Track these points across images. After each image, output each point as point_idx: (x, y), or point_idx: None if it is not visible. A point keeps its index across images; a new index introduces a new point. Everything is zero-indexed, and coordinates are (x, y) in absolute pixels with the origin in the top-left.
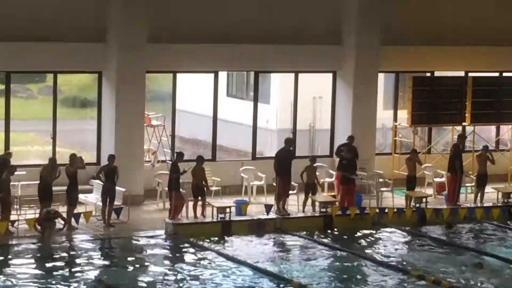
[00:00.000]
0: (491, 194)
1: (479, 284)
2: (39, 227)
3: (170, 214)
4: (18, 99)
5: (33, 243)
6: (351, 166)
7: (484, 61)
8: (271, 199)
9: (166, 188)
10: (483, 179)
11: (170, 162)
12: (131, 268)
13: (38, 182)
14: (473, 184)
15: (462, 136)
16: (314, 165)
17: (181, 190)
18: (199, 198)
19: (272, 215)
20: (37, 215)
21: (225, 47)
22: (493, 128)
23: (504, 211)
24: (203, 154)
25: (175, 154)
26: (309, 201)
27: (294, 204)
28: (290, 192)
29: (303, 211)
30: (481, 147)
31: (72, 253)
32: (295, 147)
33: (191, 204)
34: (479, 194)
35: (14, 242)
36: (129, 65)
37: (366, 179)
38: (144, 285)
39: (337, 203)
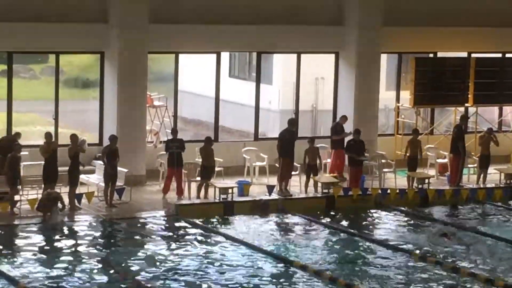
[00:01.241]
0: (494, 175)
1: (479, 264)
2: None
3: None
4: (21, 79)
5: (36, 224)
6: (359, 147)
7: (487, 42)
8: (273, 180)
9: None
10: (486, 160)
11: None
12: (133, 248)
13: (43, 162)
14: (475, 165)
15: (465, 117)
16: (314, 146)
17: (183, 170)
18: (205, 179)
19: (274, 195)
20: (40, 196)
21: (227, 27)
22: (495, 109)
23: (506, 192)
24: (205, 135)
25: (172, 131)
26: (311, 182)
27: (296, 185)
28: (292, 173)
29: (305, 192)
30: (486, 129)
31: (74, 233)
32: (297, 128)
33: (193, 184)
34: (481, 175)
35: (17, 223)
36: (131, 46)
37: (368, 160)
38: (146, 265)
39: (339, 183)
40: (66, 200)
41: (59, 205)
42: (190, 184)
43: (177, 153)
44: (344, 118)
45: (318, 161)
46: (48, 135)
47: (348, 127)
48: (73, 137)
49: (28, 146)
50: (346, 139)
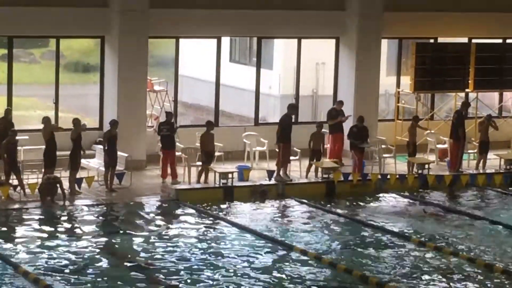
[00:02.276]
0: (494, 160)
1: (475, 250)
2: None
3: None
4: (21, 63)
5: (35, 208)
6: (361, 134)
7: (487, 27)
8: (273, 165)
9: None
10: (486, 146)
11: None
12: (132, 233)
13: (44, 147)
14: (475, 150)
15: (466, 103)
16: (321, 131)
17: (183, 154)
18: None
19: (273, 181)
20: (40, 180)
21: (228, 12)
22: (496, 94)
23: (506, 178)
24: (206, 120)
25: (165, 113)
26: (313, 167)
27: (297, 170)
28: (292, 158)
29: (306, 177)
30: (485, 115)
31: (74, 218)
32: (297, 113)
33: (193, 169)
34: (481, 161)
35: (16, 207)
36: (132, 30)
37: (369, 146)
38: (145, 250)
39: (339, 168)
40: (66, 184)
41: (59, 190)
42: (190, 169)
43: (167, 135)
44: (340, 103)
45: (321, 147)
46: (46, 119)
47: (348, 112)
48: (76, 120)
49: (28, 131)
50: (346, 123)
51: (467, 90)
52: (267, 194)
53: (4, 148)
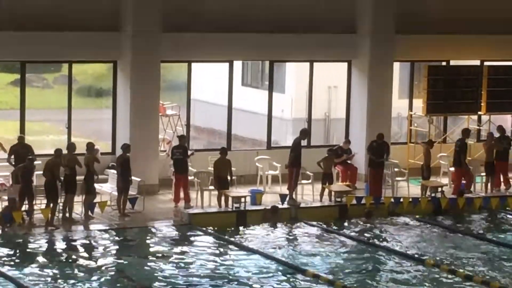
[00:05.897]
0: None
1: (493, 274)
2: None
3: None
4: (34, 88)
5: (47, 233)
6: (381, 149)
7: (500, 50)
8: (286, 189)
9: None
10: (491, 167)
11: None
12: (145, 257)
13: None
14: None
15: (467, 131)
16: (331, 156)
17: (195, 178)
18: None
19: (286, 205)
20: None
21: (240, 36)
22: (508, 117)
23: None
24: (218, 144)
25: (178, 137)
26: (326, 191)
27: (310, 193)
28: (305, 181)
29: (321, 201)
30: (487, 134)
31: (87, 242)
32: (310, 137)
33: (206, 193)
34: (489, 183)
35: (28, 232)
36: (144, 54)
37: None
38: (158, 274)
39: (352, 192)
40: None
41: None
42: (203, 193)
43: (180, 159)
44: (347, 142)
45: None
46: (71, 146)
47: (360, 138)
48: (89, 145)
49: (40, 156)
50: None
51: (479, 112)
52: (278, 211)
53: (19, 172)
